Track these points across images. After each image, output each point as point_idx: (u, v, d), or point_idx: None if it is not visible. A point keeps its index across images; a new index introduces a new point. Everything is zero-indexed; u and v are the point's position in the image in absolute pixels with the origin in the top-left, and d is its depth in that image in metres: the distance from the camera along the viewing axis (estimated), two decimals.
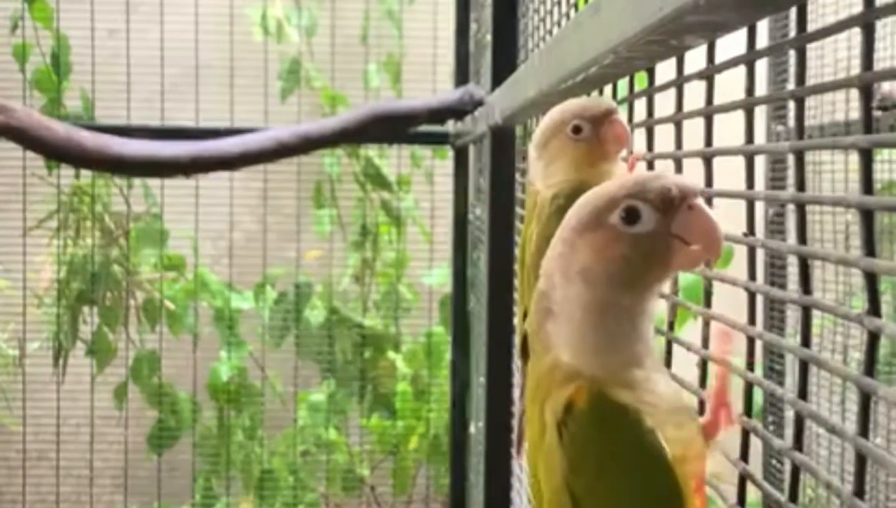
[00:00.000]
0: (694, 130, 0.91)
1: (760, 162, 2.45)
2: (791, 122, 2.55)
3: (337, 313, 3.39)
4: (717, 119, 0.86)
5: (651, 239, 0.70)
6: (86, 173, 3.15)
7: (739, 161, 0.79)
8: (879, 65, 0.59)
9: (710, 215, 0.70)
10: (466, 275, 2.69)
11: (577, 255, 0.71)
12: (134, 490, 3.31)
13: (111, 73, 3.15)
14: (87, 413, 3.22)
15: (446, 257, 3.05)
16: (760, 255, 0.83)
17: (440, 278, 3.33)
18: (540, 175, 1.07)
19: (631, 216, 0.70)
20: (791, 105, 0.74)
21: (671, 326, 0.94)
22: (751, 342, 0.77)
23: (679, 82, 0.93)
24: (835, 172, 2.42)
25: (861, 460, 0.61)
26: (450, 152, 2.85)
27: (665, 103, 0.98)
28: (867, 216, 0.60)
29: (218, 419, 3.34)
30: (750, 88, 0.78)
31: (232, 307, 3.32)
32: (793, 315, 2.51)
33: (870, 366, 0.60)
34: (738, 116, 0.79)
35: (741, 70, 0.78)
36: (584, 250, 0.71)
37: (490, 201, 1.89)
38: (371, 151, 3.40)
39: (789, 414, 2.35)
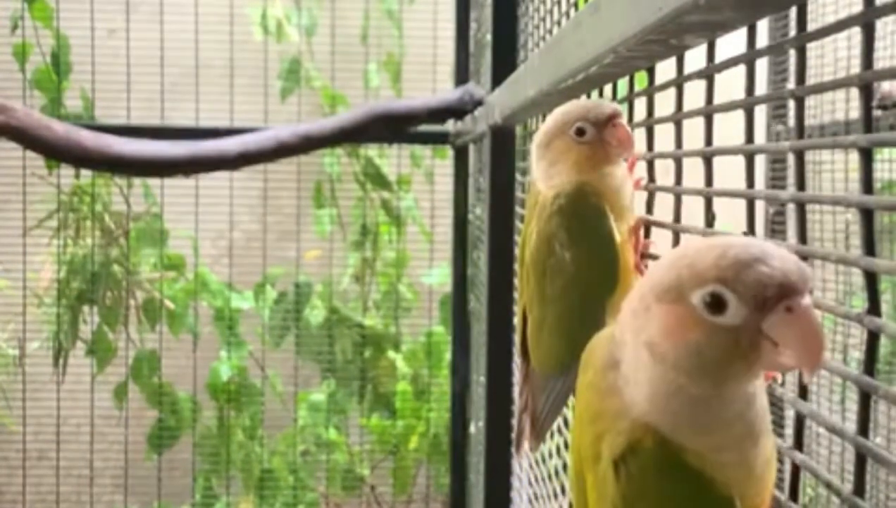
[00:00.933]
0: (694, 130, 0.91)
1: (760, 161, 2.45)
2: (791, 121, 2.55)
3: (337, 313, 3.39)
4: (717, 118, 0.86)
5: (734, 334, 0.58)
6: (86, 173, 3.15)
7: (739, 160, 0.79)
8: (879, 64, 0.59)
9: (813, 322, 0.58)
10: (466, 275, 2.69)
11: (649, 323, 0.61)
12: (134, 489, 3.31)
13: (111, 72, 3.15)
14: (87, 413, 3.22)
15: (446, 257, 3.05)
16: None
17: (440, 277, 3.33)
18: (542, 175, 1.07)
19: (716, 304, 0.58)
20: (791, 104, 0.74)
21: None
22: None
23: (679, 82, 0.93)
24: (835, 171, 2.42)
25: (861, 459, 0.61)
26: (450, 152, 2.85)
27: (665, 103, 0.98)
28: (867, 216, 0.60)
29: (218, 419, 3.34)
30: (750, 88, 0.78)
31: (232, 307, 3.32)
32: None
33: (870, 365, 0.60)
34: (738, 115, 0.79)
35: (741, 69, 0.78)
36: (656, 321, 0.61)
37: (490, 200, 1.89)
38: (371, 150, 3.40)
39: (789, 414, 2.35)
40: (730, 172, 0.88)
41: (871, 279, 0.60)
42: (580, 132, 1.03)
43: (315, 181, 3.44)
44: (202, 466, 3.33)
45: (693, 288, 0.59)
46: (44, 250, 3.27)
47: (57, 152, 2.08)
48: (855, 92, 0.61)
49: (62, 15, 3.16)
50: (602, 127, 1.02)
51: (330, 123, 2.35)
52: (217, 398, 3.33)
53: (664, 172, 1.02)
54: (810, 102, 2.30)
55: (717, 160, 0.85)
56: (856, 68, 0.61)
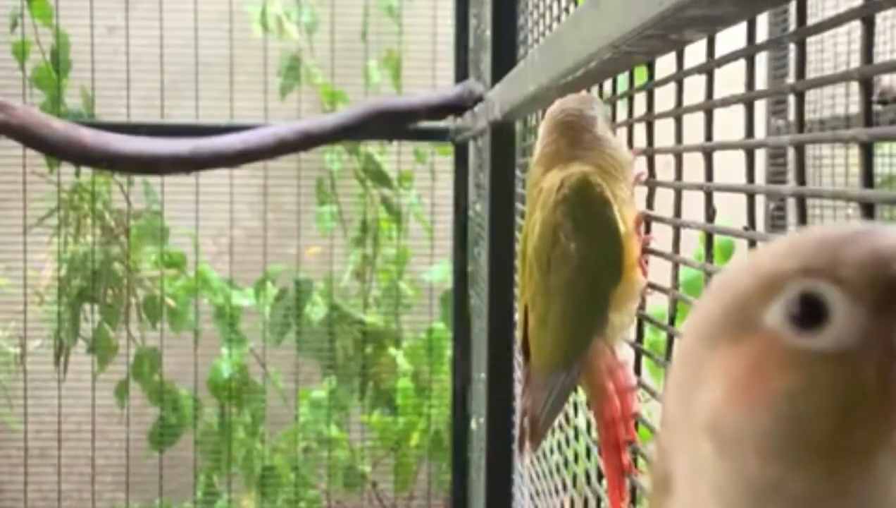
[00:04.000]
0: (694, 125, 0.91)
1: (761, 156, 2.45)
2: (791, 116, 2.55)
3: (338, 310, 3.39)
4: (717, 113, 0.86)
5: (851, 361, 0.34)
6: (86, 171, 3.15)
7: (739, 155, 0.79)
8: (879, 58, 0.59)
9: None
10: (467, 271, 2.69)
11: (704, 392, 0.37)
12: (136, 487, 3.32)
13: (111, 70, 3.15)
14: (88, 411, 3.22)
15: (447, 254, 3.05)
16: None
17: (441, 274, 3.32)
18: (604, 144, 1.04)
19: (811, 311, 0.35)
20: (791, 99, 0.74)
21: (672, 321, 0.94)
22: None
23: (679, 77, 0.93)
24: (835, 166, 2.42)
25: None
26: (450, 148, 2.85)
27: (665, 98, 0.98)
28: (868, 210, 0.60)
29: (219, 416, 3.34)
30: (750, 82, 0.77)
31: (233, 304, 3.32)
32: None
33: None
34: (738, 110, 0.79)
35: (741, 64, 0.78)
36: (715, 383, 0.36)
37: (490, 196, 1.89)
38: (371, 147, 3.40)
39: None
40: (730, 167, 0.88)
41: None
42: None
43: (316, 178, 3.44)
44: (203, 463, 3.33)
45: (766, 299, 0.35)
46: (44, 248, 3.27)
47: (57, 150, 2.08)
48: (855, 87, 0.61)
49: (62, 13, 3.15)
50: None
51: (330, 120, 2.35)
52: (218, 396, 3.33)
53: (664, 168, 1.02)
54: (810, 96, 2.30)
55: (717, 155, 0.85)
56: (856, 63, 0.61)
